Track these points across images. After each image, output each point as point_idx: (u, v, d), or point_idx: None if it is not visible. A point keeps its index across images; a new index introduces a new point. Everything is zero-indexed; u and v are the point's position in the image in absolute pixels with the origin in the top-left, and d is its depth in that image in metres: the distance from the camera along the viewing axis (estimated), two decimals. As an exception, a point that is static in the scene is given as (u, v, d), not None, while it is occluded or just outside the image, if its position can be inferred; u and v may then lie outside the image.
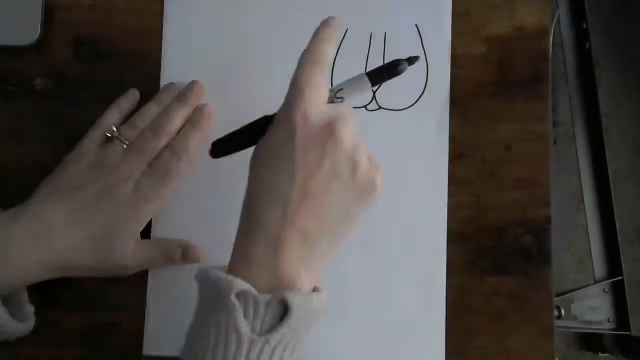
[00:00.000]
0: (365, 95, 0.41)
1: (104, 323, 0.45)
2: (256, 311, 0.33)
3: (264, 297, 0.33)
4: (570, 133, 1.08)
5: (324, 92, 0.37)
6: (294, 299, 0.33)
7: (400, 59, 0.39)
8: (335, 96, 0.38)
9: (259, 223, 0.35)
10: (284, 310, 0.33)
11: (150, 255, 0.44)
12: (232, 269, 0.35)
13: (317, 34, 0.38)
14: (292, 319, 0.33)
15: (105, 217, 0.41)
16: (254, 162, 0.37)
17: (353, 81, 0.39)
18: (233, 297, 0.32)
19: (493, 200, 0.47)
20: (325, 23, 0.39)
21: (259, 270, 0.34)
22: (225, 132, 0.47)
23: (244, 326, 0.32)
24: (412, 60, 0.39)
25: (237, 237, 0.37)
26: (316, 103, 0.36)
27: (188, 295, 0.45)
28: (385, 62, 0.47)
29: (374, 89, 0.47)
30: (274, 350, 0.33)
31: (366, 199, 0.36)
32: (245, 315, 0.33)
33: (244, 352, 0.32)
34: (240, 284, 0.33)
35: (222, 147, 0.39)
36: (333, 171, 0.35)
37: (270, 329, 0.33)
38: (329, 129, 0.35)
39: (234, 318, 0.32)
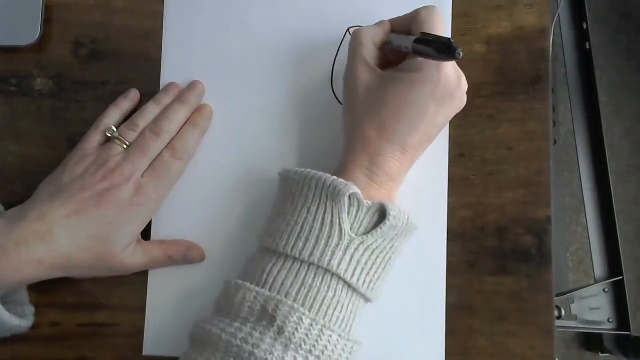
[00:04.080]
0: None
1: (104, 323, 0.46)
2: (358, 214, 0.38)
3: (366, 202, 0.38)
4: (570, 133, 1.08)
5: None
6: (391, 208, 0.38)
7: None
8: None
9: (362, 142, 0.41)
10: (379, 219, 0.38)
11: (151, 256, 0.44)
12: (339, 175, 0.39)
13: None
14: (386, 226, 0.38)
15: (106, 217, 0.41)
16: None
17: (402, 37, 0.41)
18: (346, 198, 0.37)
19: (493, 200, 0.47)
20: None
21: (363, 181, 0.40)
22: (224, 132, 0.47)
23: (347, 224, 0.37)
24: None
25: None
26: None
27: (188, 295, 0.46)
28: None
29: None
30: (365, 250, 0.38)
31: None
32: (348, 215, 0.37)
33: (343, 246, 0.37)
34: (353, 188, 0.37)
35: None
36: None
37: (366, 232, 0.38)
38: None
39: (341, 215, 0.37)
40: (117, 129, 0.44)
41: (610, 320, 0.99)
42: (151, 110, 0.45)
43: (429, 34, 0.39)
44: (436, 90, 0.39)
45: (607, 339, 1.15)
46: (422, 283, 0.45)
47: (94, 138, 0.44)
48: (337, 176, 0.39)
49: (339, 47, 0.47)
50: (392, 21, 0.44)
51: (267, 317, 0.36)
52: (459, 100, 0.41)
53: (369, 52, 0.42)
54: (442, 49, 0.36)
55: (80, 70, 0.48)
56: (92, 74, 0.48)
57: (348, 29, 0.48)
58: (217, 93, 0.47)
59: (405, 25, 0.43)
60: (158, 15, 0.48)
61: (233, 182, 0.47)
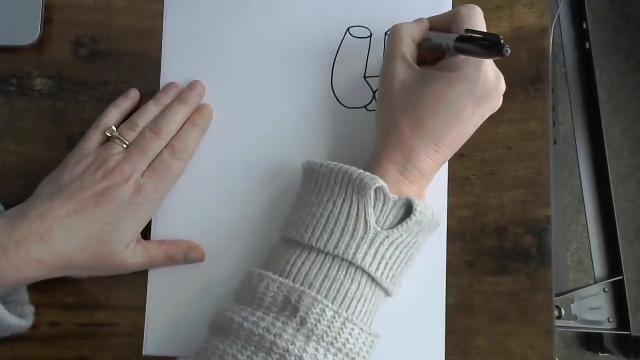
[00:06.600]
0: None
1: (104, 323, 0.46)
2: (384, 208, 0.38)
3: (393, 197, 0.38)
4: (570, 133, 1.08)
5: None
6: (418, 203, 0.38)
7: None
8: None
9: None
10: (405, 214, 0.38)
11: (151, 256, 0.44)
12: (369, 169, 0.39)
13: None
14: (412, 221, 0.38)
15: (106, 216, 0.41)
16: None
17: (442, 35, 0.41)
18: (372, 191, 0.37)
19: (493, 200, 0.47)
20: None
21: (395, 176, 0.40)
22: (223, 132, 0.47)
23: (372, 218, 0.37)
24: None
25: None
26: None
27: (188, 295, 0.46)
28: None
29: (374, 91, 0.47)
30: (390, 244, 0.38)
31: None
32: (374, 209, 0.38)
33: (368, 240, 0.37)
34: (379, 181, 0.38)
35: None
36: None
37: (391, 226, 0.38)
38: None
39: (367, 209, 0.37)
40: (117, 128, 0.44)
41: (610, 320, 0.99)
42: (151, 110, 0.45)
43: (474, 30, 0.38)
44: (474, 89, 0.39)
45: (607, 339, 1.15)
46: (422, 283, 0.45)
47: (94, 138, 0.44)
48: (369, 170, 0.39)
49: (339, 47, 0.47)
50: (430, 19, 0.44)
51: (290, 307, 0.36)
52: (496, 101, 0.41)
53: (408, 48, 0.42)
54: (488, 45, 0.35)
55: (80, 70, 0.48)
56: (92, 74, 0.48)
57: (348, 29, 0.48)
58: (217, 93, 0.47)
59: (443, 23, 0.42)
60: (158, 15, 0.48)
61: (233, 182, 0.47)
